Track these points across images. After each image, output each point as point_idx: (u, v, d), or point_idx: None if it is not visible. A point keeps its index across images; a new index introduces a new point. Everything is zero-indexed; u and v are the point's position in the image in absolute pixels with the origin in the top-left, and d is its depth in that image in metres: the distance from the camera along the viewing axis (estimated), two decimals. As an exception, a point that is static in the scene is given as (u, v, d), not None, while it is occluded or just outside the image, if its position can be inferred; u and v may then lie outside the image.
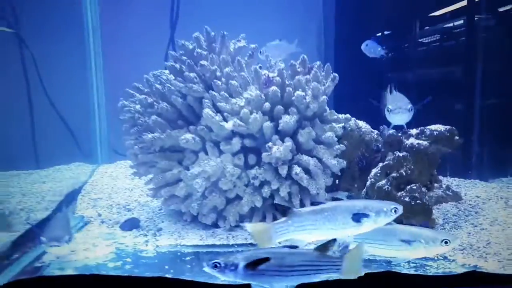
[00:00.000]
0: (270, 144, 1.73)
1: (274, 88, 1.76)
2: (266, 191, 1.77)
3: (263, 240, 1.20)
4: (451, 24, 2.49)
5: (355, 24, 2.63)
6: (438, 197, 1.81)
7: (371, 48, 2.31)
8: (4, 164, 2.69)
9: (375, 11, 2.65)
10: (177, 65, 1.98)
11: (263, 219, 1.84)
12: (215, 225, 1.88)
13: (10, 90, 2.71)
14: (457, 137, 1.81)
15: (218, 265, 1.09)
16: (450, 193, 1.86)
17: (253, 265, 1.08)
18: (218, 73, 1.93)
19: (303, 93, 1.75)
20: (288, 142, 1.71)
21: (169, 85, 1.93)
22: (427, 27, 2.59)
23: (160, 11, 3.02)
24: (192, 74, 1.90)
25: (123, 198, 2.35)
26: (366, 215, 1.18)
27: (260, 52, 2.13)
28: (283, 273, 1.11)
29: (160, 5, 2.99)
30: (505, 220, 1.75)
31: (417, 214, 1.70)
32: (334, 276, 1.11)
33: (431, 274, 1.45)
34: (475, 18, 2.36)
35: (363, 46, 2.28)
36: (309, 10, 2.91)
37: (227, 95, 1.84)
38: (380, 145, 1.90)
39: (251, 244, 1.75)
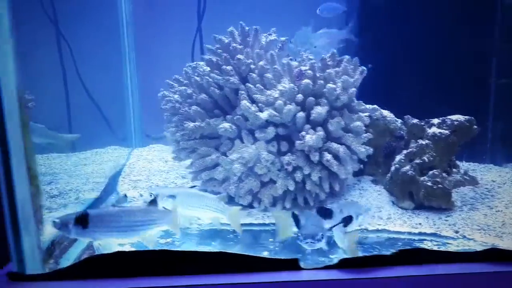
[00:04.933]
0: (303, 133, 1.89)
1: (306, 80, 1.91)
2: (298, 176, 1.94)
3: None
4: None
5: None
6: (456, 181, 1.97)
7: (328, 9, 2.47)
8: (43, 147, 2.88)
9: None
10: (214, 58, 2.14)
11: (295, 200, 2.01)
12: (250, 206, 2.06)
13: (50, 83, 2.90)
14: (475, 126, 1.95)
15: (54, 222, 1.33)
16: (468, 178, 2.01)
17: (80, 222, 1.32)
18: (252, 66, 2.08)
19: (334, 86, 1.90)
20: (321, 132, 1.87)
21: (208, 78, 2.09)
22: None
23: (188, 3, 3.16)
24: (228, 67, 2.06)
25: (161, 180, 2.54)
26: None
27: (290, 41, 2.29)
28: (112, 229, 1.38)
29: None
30: (519, 203, 1.91)
31: (438, 197, 1.86)
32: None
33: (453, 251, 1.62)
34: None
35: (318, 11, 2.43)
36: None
37: (262, 87, 2.00)
38: (403, 133, 2.05)
39: (285, 223, 1.93)
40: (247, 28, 2.15)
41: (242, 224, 1.92)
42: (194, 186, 1.98)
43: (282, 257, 1.33)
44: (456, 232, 1.77)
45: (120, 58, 3.04)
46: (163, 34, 3.10)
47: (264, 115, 1.94)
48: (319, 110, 1.88)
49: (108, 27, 2.94)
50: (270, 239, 1.77)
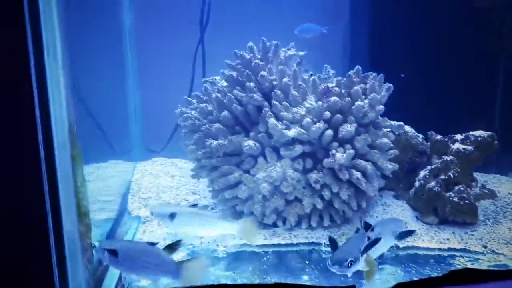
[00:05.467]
0: (333, 151, 1.88)
1: (335, 98, 1.90)
2: (327, 194, 1.92)
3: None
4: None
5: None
6: (476, 195, 2.00)
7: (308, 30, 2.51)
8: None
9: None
10: (234, 74, 2.10)
11: (320, 220, 2.00)
12: (274, 225, 2.03)
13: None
14: (496, 142, 1.99)
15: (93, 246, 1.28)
16: (487, 191, 2.05)
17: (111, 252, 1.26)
18: (274, 83, 2.05)
19: (362, 103, 1.90)
20: (351, 150, 1.87)
21: (230, 95, 2.04)
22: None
23: (190, 14, 3.09)
24: (252, 84, 2.02)
25: (171, 197, 2.47)
26: None
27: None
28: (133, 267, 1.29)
29: (191, 8, 3.06)
30: (539, 215, 1.97)
31: (465, 212, 1.89)
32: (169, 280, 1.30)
33: (486, 267, 1.65)
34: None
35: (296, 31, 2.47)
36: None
37: (287, 104, 1.97)
38: (425, 149, 2.07)
39: (313, 242, 1.92)
40: (268, 43, 2.12)
41: (270, 245, 1.90)
42: (196, 205, 1.94)
43: (340, 285, 1.31)
44: (485, 247, 1.81)
45: (123, 70, 2.95)
46: (165, 46, 3.02)
47: (291, 133, 1.92)
48: (349, 128, 1.87)
49: (108, 36, 2.84)
50: (306, 261, 1.76)
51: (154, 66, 3.01)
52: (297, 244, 1.90)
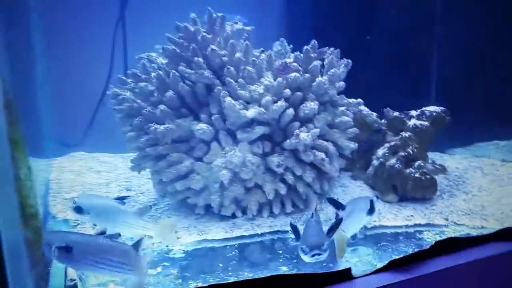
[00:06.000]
0: (297, 131, 1.73)
1: (295, 74, 1.75)
2: (290, 178, 1.77)
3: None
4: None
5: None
6: (430, 170, 2.00)
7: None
8: None
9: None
10: (177, 49, 1.85)
11: (283, 207, 1.85)
12: (233, 216, 1.84)
13: None
14: (448, 117, 2.01)
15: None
16: (438, 166, 2.07)
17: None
18: (225, 58, 1.84)
19: (323, 79, 1.77)
20: (316, 129, 1.73)
21: (174, 72, 1.79)
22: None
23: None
24: (200, 60, 1.79)
25: (102, 195, 2.14)
26: None
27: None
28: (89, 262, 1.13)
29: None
30: (488, 186, 2.03)
31: (426, 187, 1.88)
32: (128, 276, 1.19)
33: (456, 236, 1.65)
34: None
35: None
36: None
37: (244, 82, 1.78)
38: (380, 126, 2.02)
39: (278, 231, 1.76)
40: (214, 15, 1.90)
41: (233, 238, 1.70)
42: (127, 197, 1.71)
43: (337, 270, 1.18)
44: (446, 219, 1.82)
45: (28, 57, 2.48)
46: (78, 24, 2.62)
47: (250, 113, 1.73)
48: (312, 106, 1.74)
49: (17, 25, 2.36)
50: (280, 250, 1.59)
51: (66, 51, 2.60)
52: (262, 234, 1.72)
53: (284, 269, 1.46)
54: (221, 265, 1.49)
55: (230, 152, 1.72)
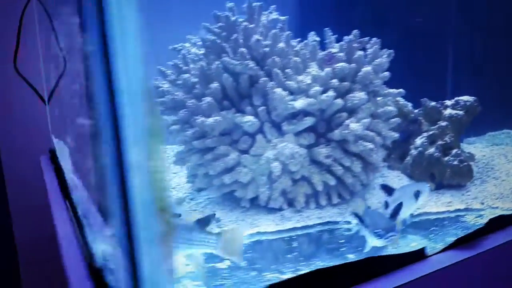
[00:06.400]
0: (347, 121, 1.73)
1: (342, 64, 1.74)
2: (339, 169, 1.77)
3: None
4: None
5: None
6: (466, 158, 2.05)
7: None
8: None
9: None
10: (217, 40, 1.80)
11: (329, 199, 1.84)
12: (279, 209, 1.81)
13: None
14: (479, 107, 2.06)
15: None
16: (468, 154, 2.12)
17: None
18: (266, 49, 1.81)
19: (369, 69, 1.77)
20: (366, 119, 1.73)
21: (218, 63, 1.74)
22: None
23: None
24: (244, 50, 1.75)
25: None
26: None
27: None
28: None
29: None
30: (515, 171, 2.11)
31: (463, 175, 1.92)
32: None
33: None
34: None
35: None
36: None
37: (291, 73, 1.75)
38: (417, 116, 2.05)
39: (328, 222, 1.75)
40: (254, 3, 1.85)
41: (286, 230, 1.68)
42: None
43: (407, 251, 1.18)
44: (482, 203, 1.87)
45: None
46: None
47: (299, 104, 1.71)
48: (362, 96, 1.73)
49: None
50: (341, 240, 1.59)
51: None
52: (313, 226, 1.72)
53: (351, 257, 1.46)
54: (289, 255, 1.47)
55: (280, 144, 1.70)
